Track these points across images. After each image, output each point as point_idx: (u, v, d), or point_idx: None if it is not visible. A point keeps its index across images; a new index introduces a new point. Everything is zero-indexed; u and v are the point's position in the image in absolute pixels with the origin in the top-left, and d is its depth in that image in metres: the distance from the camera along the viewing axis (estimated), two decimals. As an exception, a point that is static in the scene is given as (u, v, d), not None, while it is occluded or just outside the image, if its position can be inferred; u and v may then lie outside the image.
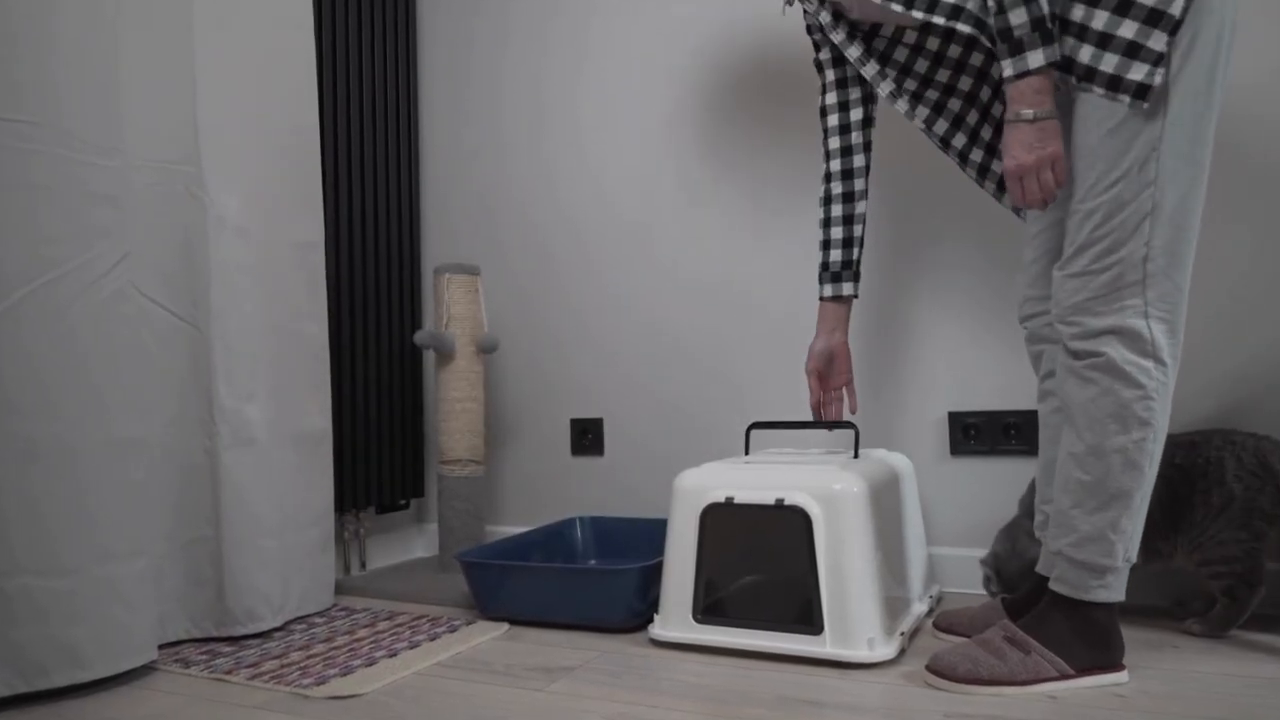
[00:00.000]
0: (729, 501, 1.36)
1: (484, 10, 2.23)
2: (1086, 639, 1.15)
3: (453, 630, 1.49)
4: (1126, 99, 1.07)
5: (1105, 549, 1.13)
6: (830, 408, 1.54)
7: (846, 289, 1.49)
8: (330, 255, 1.89)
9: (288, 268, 1.61)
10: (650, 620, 1.42)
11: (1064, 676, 1.14)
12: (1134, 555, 1.14)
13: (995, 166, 1.39)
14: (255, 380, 1.52)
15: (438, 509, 1.96)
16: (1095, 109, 1.10)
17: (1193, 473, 1.34)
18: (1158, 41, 1.04)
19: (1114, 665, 1.16)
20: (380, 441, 2.06)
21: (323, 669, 1.30)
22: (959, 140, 1.38)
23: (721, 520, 1.38)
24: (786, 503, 1.31)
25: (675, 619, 1.38)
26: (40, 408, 1.21)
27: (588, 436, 2.07)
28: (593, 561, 1.90)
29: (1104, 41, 1.07)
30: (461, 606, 1.66)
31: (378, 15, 2.12)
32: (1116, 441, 1.12)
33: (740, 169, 1.91)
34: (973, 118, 1.38)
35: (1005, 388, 1.67)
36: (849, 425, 1.49)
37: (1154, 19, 1.04)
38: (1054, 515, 1.19)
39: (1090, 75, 1.09)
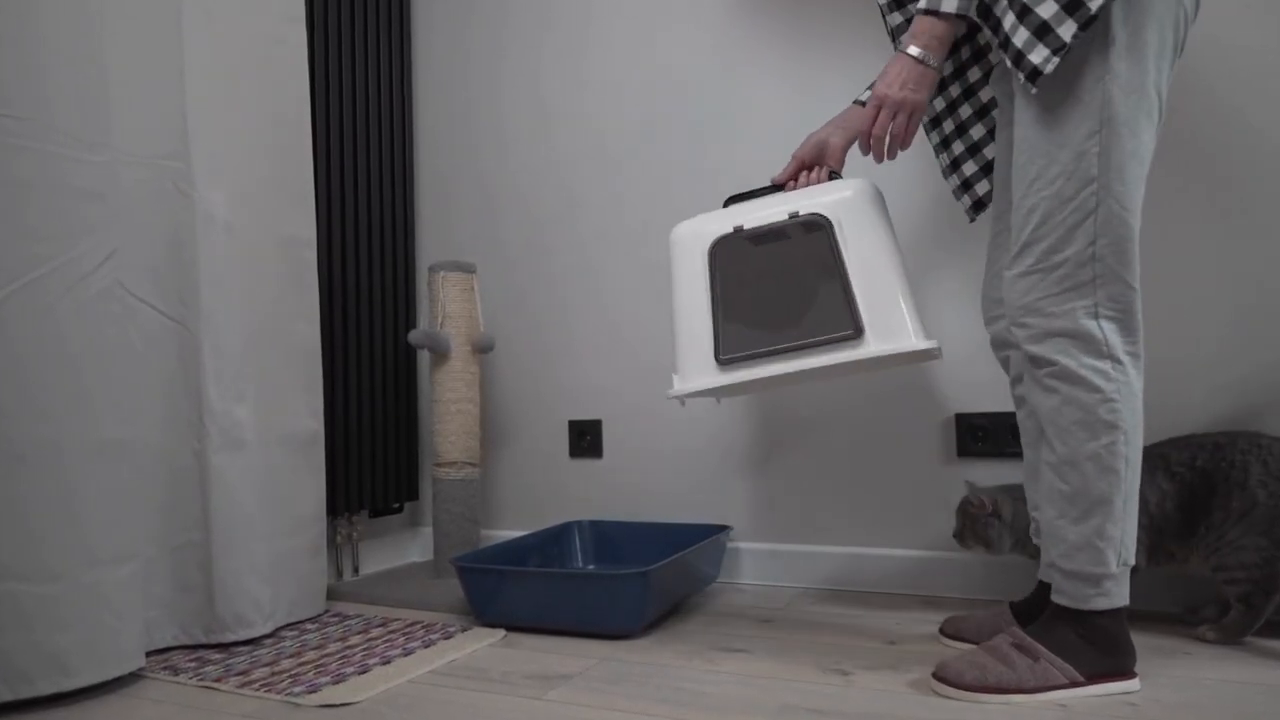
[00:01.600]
0: (738, 230, 1.31)
1: (480, 3, 2.21)
2: (1095, 645, 1.13)
3: (448, 637, 1.48)
4: (1022, 77, 1.07)
5: (1095, 557, 1.12)
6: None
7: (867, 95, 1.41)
8: (322, 252, 1.88)
9: (278, 265, 1.60)
10: (652, 626, 1.40)
11: (1073, 684, 1.12)
12: (1131, 559, 1.13)
13: (979, 188, 1.41)
14: (245, 381, 1.51)
15: (433, 512, 1.94)
16: (1031, 103, 1.11)
17: (1214, 476, 1.32)
18: (1066, 30, 1.04)
19: (1125, 672, 1.14)
20: (374, 443, 2.04)
21: (314, 677, 1.29)
22: (958, 147, 1.41)
23: (733, 252, 1.32)
24: (802, 214, 1.26)
25: (698, 369, 1.32)
26: (26, 408, 1.19)
27: (586, 438, 2.05)
28: (591, 566, 1.88)
29: (1023, 14, 1.07)
30: (457, 612, 1.65)
31: (371, 7, 2.11)
32: (1087, 449, 1.11)
33: (740, 165, 1.89)
34: (977, 131, 1.39)
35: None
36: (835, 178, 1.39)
37: (1071, 8, 1.03)
38: (1043, 526, 1.18)
39: (1005, 44, 1.09)
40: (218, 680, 1.28)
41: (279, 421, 1.58)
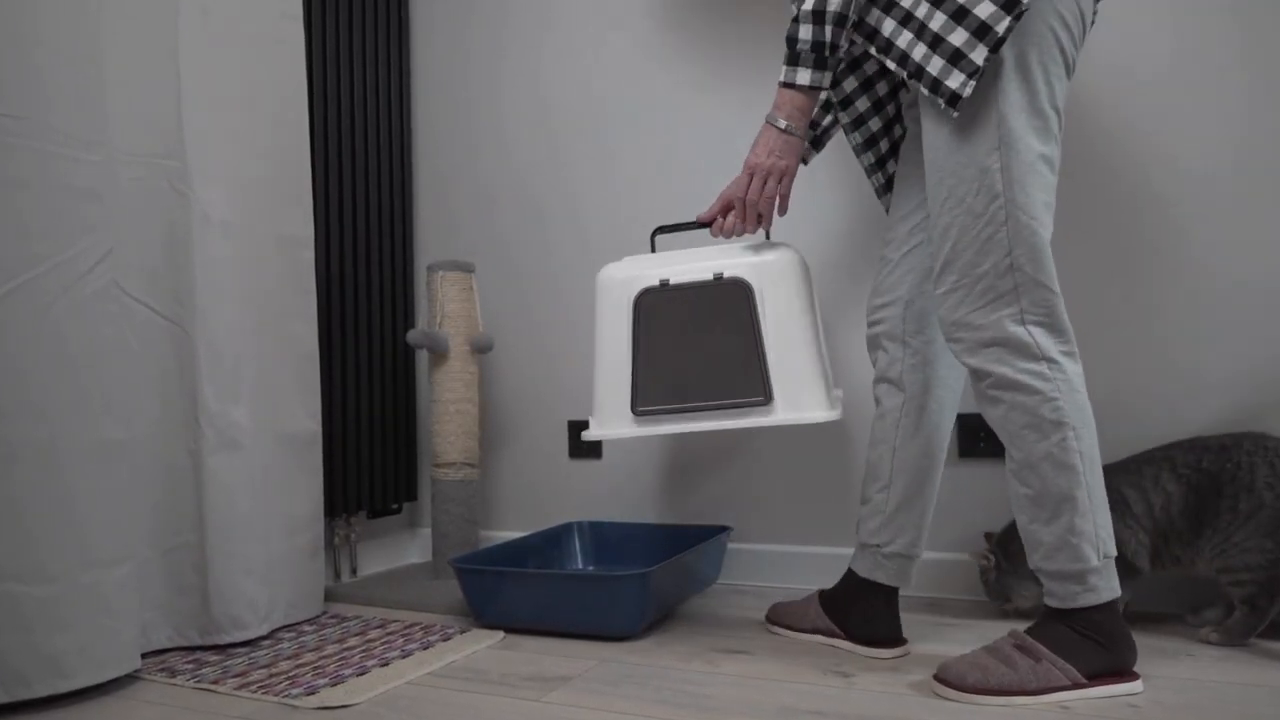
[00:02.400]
0: (664, 284, 1.34)
1: (480, 2, 2.21)
2: (1093, 642, 1.13)
3: (447, 638, 1.48)
4: (941, 103, 1.11)
5: (1072, 554, 1.13)
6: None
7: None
8: (320, 251, 1.87)
9: (276, 264, 1.59)
10: (651, 627, 1.39)
11: (1076, 684, 1.12)
12: (1112, 550, 1.15)
13: (890, 166, 1.44)
14: (241, 381, 1.50)
15: (431, 513, 1.93)
16: (938, 125, 1.16)
17: (1220, 478, 1.32)
18: (979, 55, 1.08)
19: (1126, 671, 1.14)
20: (372, 444, 2.04)
21: (312, 678, 1.29)
22: (884, 145, 1.44)
23: (656, 305, 1.36)
24: (726, 276, 1.30)
25: (612, 417, 1.36)
26: (22, 409, 1.19)
27: (585, 439, 2.05)
28: (590, 568, 1.88)
29: (936, 43, 1.11)
30: (456, 614, 1.64)
31: (370, 6, 2.10)
32: (1040, 449, 1.14)
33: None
34: (875, 124, 1.42)
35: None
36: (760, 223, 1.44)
37: (981, 32, 1.08)
38: (1021, 533, 1.19)
39: (919, 74, 1.13)
40: (215, 682, 1.28)
41: (276, 422, 1.57)
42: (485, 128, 2.20)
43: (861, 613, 1.35)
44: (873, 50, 1.21)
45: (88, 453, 1.25)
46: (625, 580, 1.42)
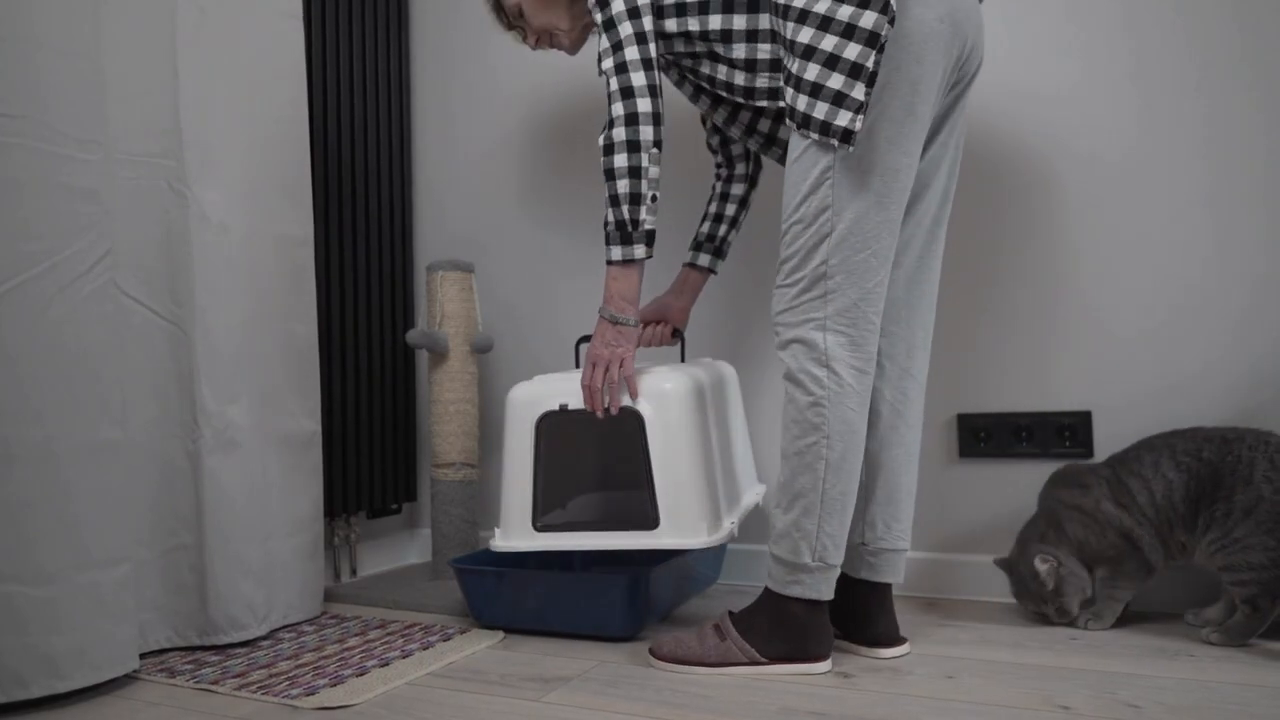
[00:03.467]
0: (563, 409, 1.42)
1: (478, 2, 2.20)
2: (783, 630, 1.25)
3: (446, 639, 1.48)
4: (835, 142, 1.17)
5: (792, 547, 1.23)
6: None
7: (703, 260, 1.65)
8: (319, 251, 1.87)
9: (275, 264, 1.59)
10: (652, 628, 1.40)
11: (753, 662, 1.26)
12: (830, 560, 1.23)
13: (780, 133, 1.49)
14: (240, 381, 1.51)
15: (431, 514, 1.94)
16: (795, 143, 1.24)
17: (1220, 469, 1.33)
18: (859, 92, 1.15)
19: (808, 657, 1.25)
20: (371, 444, 2.04)
21: (312, 679, 1.29)
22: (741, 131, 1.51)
23: (556, 428, 1.44)
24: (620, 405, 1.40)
25: (516, 530, 1.44)
26: (19, 409, 1.19)
27: (584, 439, 2.04)
28: (590, 569, 1.86)
29: (816, 91, 1.17)
30: (455, 614, 1.65)
31: (369, 5, 2.10)
32: (795, 445, 1.24)
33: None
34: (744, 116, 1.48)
35: (1016, 390, 1.67)
36: (678, 337, 1.65)
37: (855, 72, 1.15)
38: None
39: (806, 122, 1.19)
40: (214, 682, 1.28)
41: (275, 422, 1.58)
42: (484, 128, 2.20)
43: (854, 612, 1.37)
44: (759, 103, 1.36)
45: (84, 453, 1.24)
46: (625, 581, 1.42)
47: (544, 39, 1.56)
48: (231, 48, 1.53)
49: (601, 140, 1.32)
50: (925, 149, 1.30)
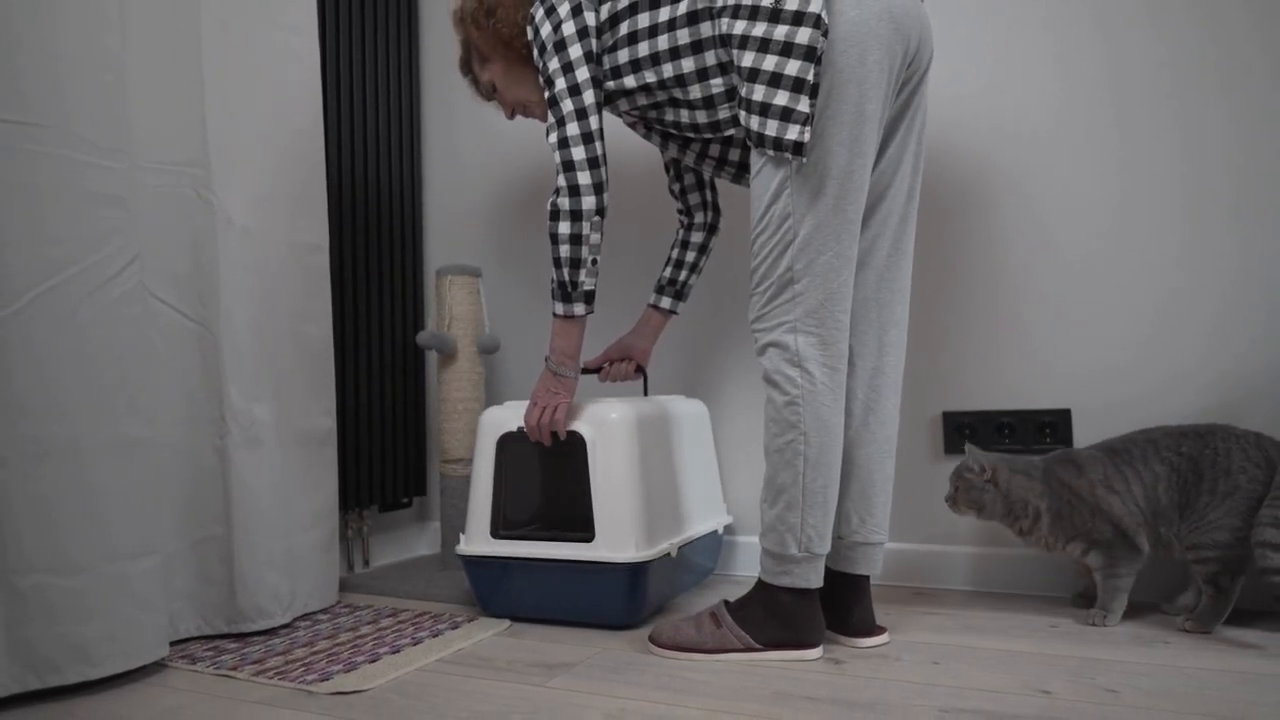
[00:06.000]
0: (521, 430, 1.54)
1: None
2: (776, 619, 1.29)
3: (455, 627, 1.50)
4: (789, 155, 1.22)
5: (778, 540, 1.28)
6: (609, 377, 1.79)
7: (665, 302, 1.73)
8: (334, 257, 1.90)
9: (292, 269, 1.62)
10: (651, 616, 1.43)
11: (748, 649, 1.30)
12: (816, 549, 1.27)
13: (731, 155, 1.55)
14: (263, 380, 1.53)
15: (440, 507, 1.97)
16: (755, 160, 1.28)
17: (1201, 462, 1.36)
18: (804, 105, 1.19)
19: (801, 644, 1.29)
20: (383, 441, 2.07)
21: (326, 665, 1.31)
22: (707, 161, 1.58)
23: (515, 448, 1.56)
24: (567, 429, 1.51)
25: (477, 536, 1.56)
26: (49, 408, 1.21)
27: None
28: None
29: (765, 110, 1.22)
30: (463, 603, 1.67)
31: (380, 19, 2.13)
32: (775, 443, 1.28)
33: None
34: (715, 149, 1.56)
35: (998, 389, 1.69)
36: (640, 373, 1.75)
37: (799, 87, 1.19)
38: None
39: (760, 140, 1.24)
40: (233, 668, 1.31)
41: (294, 420, 1.60)
42: (492, 137, 2.22)
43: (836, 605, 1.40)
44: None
45: (112, 450, 1.26)
46: (626, 571, 1.44)
47: (519, 109, 1.64)
48: (251, 61, 1.55)
49: (548, 205, 1.41)
50: (883, 149, 1.33)
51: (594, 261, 1.44)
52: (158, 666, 1.33)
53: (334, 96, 1.96)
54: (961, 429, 1.70)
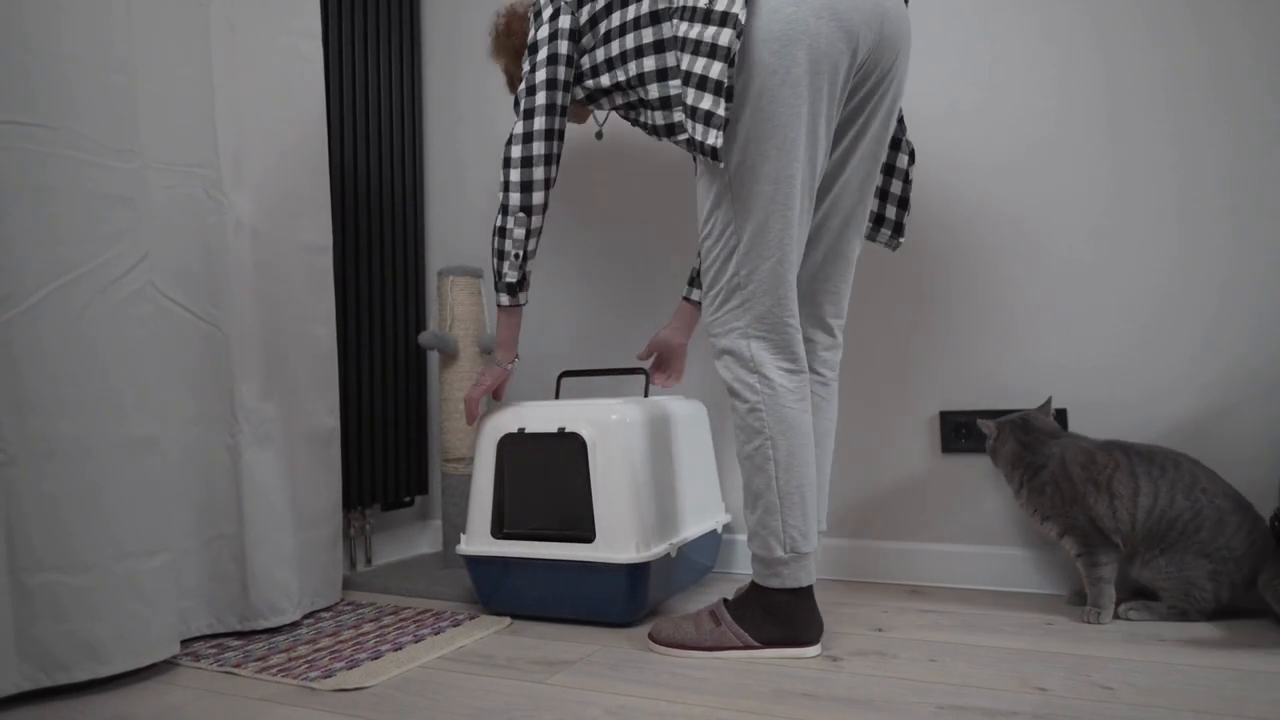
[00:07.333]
0: (521, 431, 1.54)
1: (487, 17, 2.24)
2: (773, 618, 1.30)
3: (456, 624, 1.51)
4: (711, 160, 1.22)
5: (762, 543, 1.28)
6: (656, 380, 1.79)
7: (695, 294, 1.71)
8: (338, 258, 1.91)
9: (298, 270, 1.63)
10: (651, 614, 1.44)
11: (747, 646, 1.30)
12: (801, 548, 1.27)
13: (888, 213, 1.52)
14: (271, 380, 1.54)
15: (441, 506, 1.98)
16: (697, 171, 1.29)
17: (1177, 517, 1.40)
18: (721, 108, 1.18)
19: (799, 642, 1.30)
20: (386, 440, 2.08)
21: (329, 662, 1.32)
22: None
23: (516, 448, 1.57)
24: (567, 430, 1.51)
25: (478, 536, 1.56)
26: (58, 407, 1.21)
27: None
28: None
29: (693, 114, 1.21)
30: (465, 601, 1.68)
31: (383, 24, 2.14)
32: (744, 450, 1.29)
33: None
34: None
35: (995, 389, 1.70)
36: (640, 371, 1.73)
37: (717, 89, 1.18)
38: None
39: (691, 143, 1.23)
40: (237, 665, 1.31)
41: (300, 419, 1.61)
42: (494, 139, 2.23)
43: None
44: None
45: (121, 448, 1.27)
46: (626, 569, 1.45)
47: None
48: (258, 65, 1.56)
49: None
50: (832, 149, 1.31)
51: (517, 255, 1.47)
52: (168, 664, 1.34)
53: (337, 99, 1.97)
54: (959, 429, 1.71)
